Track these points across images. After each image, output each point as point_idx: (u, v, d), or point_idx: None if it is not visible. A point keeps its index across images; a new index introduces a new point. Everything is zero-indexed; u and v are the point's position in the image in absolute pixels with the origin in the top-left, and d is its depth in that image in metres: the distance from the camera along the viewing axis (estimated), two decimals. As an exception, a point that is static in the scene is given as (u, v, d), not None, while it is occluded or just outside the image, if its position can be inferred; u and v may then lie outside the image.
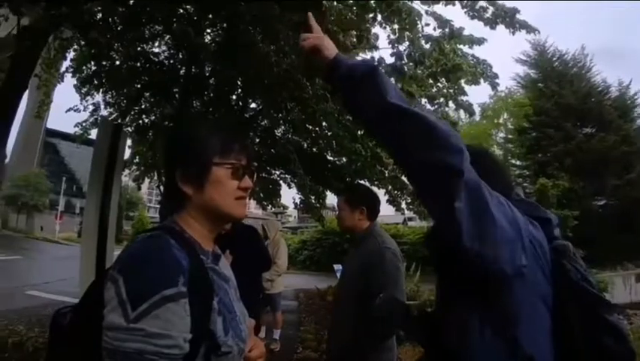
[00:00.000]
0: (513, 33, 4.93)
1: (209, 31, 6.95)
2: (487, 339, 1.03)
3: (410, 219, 26.35)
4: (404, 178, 7.68)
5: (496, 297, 1.04)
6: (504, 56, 31.71)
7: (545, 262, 1.07)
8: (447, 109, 7.28)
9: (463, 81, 6.20)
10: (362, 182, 7.14)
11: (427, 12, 5.00)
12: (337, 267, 10.96)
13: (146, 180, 10.04)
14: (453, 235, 0.96)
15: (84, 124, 7.93)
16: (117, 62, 5.50)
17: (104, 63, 5.24)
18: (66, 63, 7.39)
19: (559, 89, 26.53)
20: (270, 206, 9.99)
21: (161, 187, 6.96)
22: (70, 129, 8.79)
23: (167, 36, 6.05)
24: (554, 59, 28.38)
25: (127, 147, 6.45)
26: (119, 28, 4.07)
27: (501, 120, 25.04)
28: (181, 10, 5.35)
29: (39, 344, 4.69)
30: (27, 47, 3.42)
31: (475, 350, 1.05)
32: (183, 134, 1.07)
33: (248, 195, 1.06)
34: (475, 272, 1.03)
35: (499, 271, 1.00)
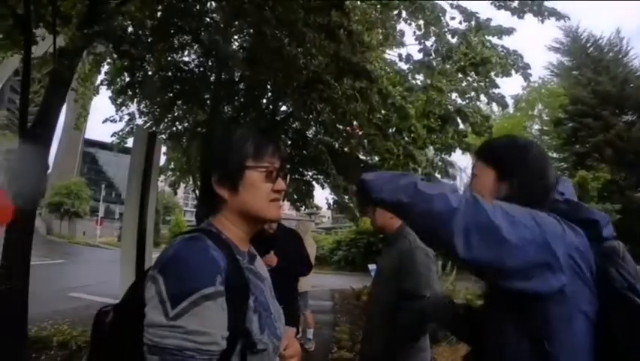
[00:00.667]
0: (542, 21, 4.77)
1: (236, 37, 7.09)
2: (524, 352, 1.00)
3: (445, 217, 25.84)
4: (437, 175, 7.58)
5: (531, 312, 1.00)
6: (536, 44, 30.73)
7: (589, 272, 1.00)
8: (479, 103, 7.14)
9: (493, 73, 6.05)
10: None
11: (452, 6, 4.91)
12: (372, 267, 10.87)
13: (182, 185, 10.32)
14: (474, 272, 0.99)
15: (120, 133, 8.22)
16: (149, 73, 5.67)
17: (137, 74, 5.42)
18: (100, 76, 7.73)
19: (595, 76, 25.37)
20: (303, 207, 10.04)
21: (197, 191, 7.13)
22: (107, 139, 9.12)
23: (196, 45, 6.19)
24: (588, 44, 27.17)
25: (162, 154, 6.63)
26: (149, 40, 4.21)
27: (535, 112, 24.19)
28: (208, 20, 5.46)
29: (82, 343, 4.89)
30: (66, 66, 3.56)
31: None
32: (217, 139, 1.10)
33: (282, 197, 1.07)
34: (508, 292, 1.00)
35: (531, 293, 0.96)
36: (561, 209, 1.08)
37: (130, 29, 3.94)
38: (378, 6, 5.16)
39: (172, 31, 3.80)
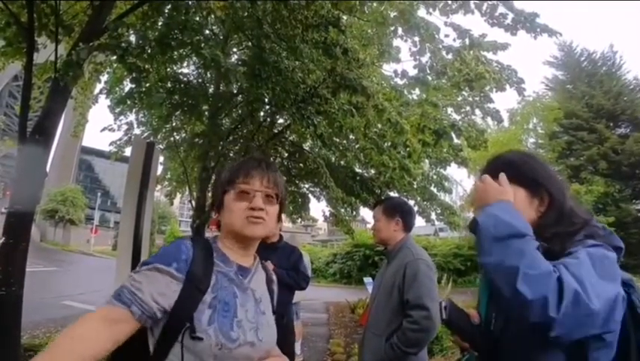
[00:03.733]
0: (535, 37, 4.86)
1: (235, 50, 7.17)
2: None
3: (441, 229, 25.87)
4: (433, 188, 7.63)
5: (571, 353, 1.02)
6: (531, 58, 31.15)
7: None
8: (474, 117, 7.22)
9: (488, 88, 6.14)
10: (391, 193, 7.16)
11: (446, 23, 5.01)
12: (367, 280, 10.91)
13: (178, 195, 10.31)
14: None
15: (118, 142, 8.26)
16: (148, 84, 5.73)
17: (143, 85, 5.47)
18: (100, 85, 7.80)
19: (589, 90, 25.75)
20: (299, 219, 10.08)
21: (193, 202, 7.16)
22: (104, 146, 9.15)
23: (195, 57, 6.25)
24: (582, 59, 27.62)
25: (159, 164, 6.66)
26: (148, 51, 4.26)
27: (530, 125, 24.35)
28: (207, 32, 5.52)
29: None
30: (71, 78, 3.61)
31: None
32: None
33: (261, 215, 1.18)
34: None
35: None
36: (599, 235, 1.11)
37: (133, 41, 3.98)
38: (374, 24, 5.26)
39: (173, 44, 3.85)
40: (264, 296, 1.25)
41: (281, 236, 3.92)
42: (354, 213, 8.50)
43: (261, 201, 1.17)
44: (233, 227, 1.17)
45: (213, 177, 6.72)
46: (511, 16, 4.79)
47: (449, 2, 4.95)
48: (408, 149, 5.79)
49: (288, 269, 3.73)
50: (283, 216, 3.90)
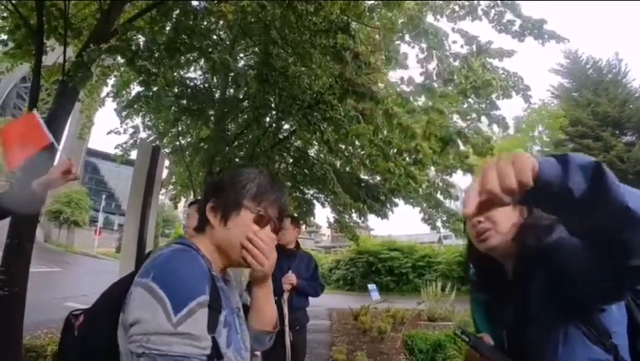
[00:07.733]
0: (543, 44, 4.86)
1: (242, 55, 7.19)
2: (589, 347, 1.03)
3: (445, 237, 25.79)
4: (439, 196, 7.58)
5: (596, 316, 1.05)
6: (537, 66, 31.10)
7: None
8: (479, 124, 7.18)
9: (494, 96, 6.11)
10: (397, 200, 7.10)
11: (453, 29, 5.01)
12: (371, 286, 10.81)
13: (182, 199, 10.27)
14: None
15: (124, 145, 8.27)
16: (156, 88, 5.77)
17: (152, 89, 5.48)
18: (107, 89, 7.83)
19: (594, 98, 25.61)
20: (304, 225, 9.97)
21: (197, 206, 7.14)
22: (109, 149, 9.17)
23: (202, 61, 6.26)
24: (588, 66, 27.50)
25: (165, 168, 6.67)
26: (156, 55, 4.29)
27: (536, 133, 24.28)
28: (215, 37, 5.55)
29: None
30: (79, 79, 3.63)
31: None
32: (228, 171, 1.17)
33: (270, 244, 1.08)
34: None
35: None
36: None
37: (142, 44, 4.01)
38: (382, 30, 5.27)
39: (181, 48, 3.88)
40: (239, 304, 1.16)
41: (298, 244, 3.93)
42: (363, 218, 8.46)
43: (270, 230, 1.09)
44: (232, 246, 1.05)
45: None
46: (518, 22, 4.79)
47: (456, 9, 4.97)
48: (419, 154, 5.76)
49: (307, 278, 3.78)
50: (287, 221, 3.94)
